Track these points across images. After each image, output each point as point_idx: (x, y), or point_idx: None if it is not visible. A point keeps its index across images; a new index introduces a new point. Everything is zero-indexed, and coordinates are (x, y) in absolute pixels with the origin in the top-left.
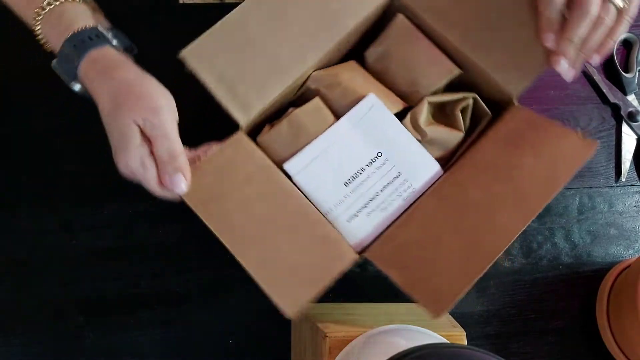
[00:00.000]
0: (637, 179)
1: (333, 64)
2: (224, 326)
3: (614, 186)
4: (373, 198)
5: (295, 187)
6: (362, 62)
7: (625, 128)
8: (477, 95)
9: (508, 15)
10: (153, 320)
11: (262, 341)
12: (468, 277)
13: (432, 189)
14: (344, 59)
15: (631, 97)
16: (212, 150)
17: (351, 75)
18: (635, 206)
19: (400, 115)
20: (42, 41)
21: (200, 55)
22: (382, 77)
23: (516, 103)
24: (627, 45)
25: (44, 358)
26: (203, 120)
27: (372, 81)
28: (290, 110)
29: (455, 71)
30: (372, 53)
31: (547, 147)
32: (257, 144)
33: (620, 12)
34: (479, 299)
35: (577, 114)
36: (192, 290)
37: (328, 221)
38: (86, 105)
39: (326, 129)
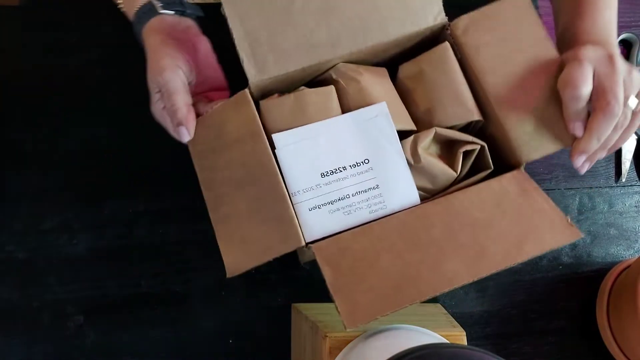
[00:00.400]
0: (637, 179)
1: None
2: (224, 326)
3: (614, 186)
4: (341, 198)
5: (273, 161)
6: (395, 76)
7: None
8: (486, 146)
9: (549, 85)
10: (153, 320)
11: (262, 341)
12: (390, 304)
13: (402, 213)
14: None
15: None
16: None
17: (375, 79)
18: (635, 206)
19: (406, 137)
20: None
21: (237, 5)
22: (405, 95)
23: (522, 169)
24: (627, 45)
25: (44, 358)
26: None
27: (392, 93)
28: (301, 88)
29: (475, 117)
30: (406, 69)
31: (529, 219)
32: (259, 108)
33: (634, 114)
34: (479, 299)
35: None
36: (192, 290)
37: (291, 203)
38: (86, 106)
39: (329, 117)
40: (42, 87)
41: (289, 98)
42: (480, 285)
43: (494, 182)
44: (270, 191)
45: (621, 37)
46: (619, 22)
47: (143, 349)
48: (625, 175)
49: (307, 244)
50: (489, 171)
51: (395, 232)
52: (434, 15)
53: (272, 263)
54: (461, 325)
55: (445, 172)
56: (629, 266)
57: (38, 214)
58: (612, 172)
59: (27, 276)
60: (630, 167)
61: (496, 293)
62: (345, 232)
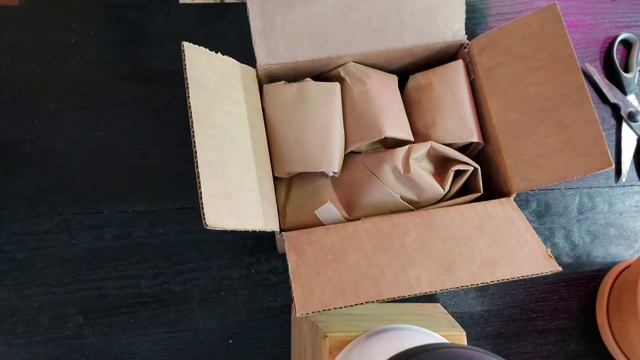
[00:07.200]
0: (637, 179)
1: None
2: (224, 327)
3: (614, 186)
4: None
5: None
6: (405, 84)
7: (625, 128)
8: (479, 169)
9: (556, 110)
10: (153, 320)
11: (262, 341)
12: (345, 299)
13: (377, 218)
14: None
15: (631, 97)
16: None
17: (382, 85)
18: (635, 206)
19: (401, 146)
20: None
21: None
22: (409, 105)
23: (512, 198)
24: (627, 45)
25: (44, 358)
26: None
27: (396, 101)
28: (307, 79)
29: (475, 139)
30: (416, 80)
31: (507, 245)
32: (262, 91)
33: None
34: (479, 299)
35: None
36: (192, 290)
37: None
38: (86, 106)
39: (329, 113)
40: (42, 87)
41: (292, 87)
42: (481, 285)
43: (479, 206)
44: (252, 171)
45: (621, 37)
46: (619, 22)
47: (143, 350)
48: (625, 175)
49: (281, 230)
50: (478, 195)
51: (367, 235)
52: (453, 31)
53: (272, 263)
54: (461, 325)
55: (432, 187)
56: (629, 266)
57: (37, 214)
58: (612, 172)
59: (27, 277)
60: (630, 167)
61: (496, 293)
62: (319, 227)
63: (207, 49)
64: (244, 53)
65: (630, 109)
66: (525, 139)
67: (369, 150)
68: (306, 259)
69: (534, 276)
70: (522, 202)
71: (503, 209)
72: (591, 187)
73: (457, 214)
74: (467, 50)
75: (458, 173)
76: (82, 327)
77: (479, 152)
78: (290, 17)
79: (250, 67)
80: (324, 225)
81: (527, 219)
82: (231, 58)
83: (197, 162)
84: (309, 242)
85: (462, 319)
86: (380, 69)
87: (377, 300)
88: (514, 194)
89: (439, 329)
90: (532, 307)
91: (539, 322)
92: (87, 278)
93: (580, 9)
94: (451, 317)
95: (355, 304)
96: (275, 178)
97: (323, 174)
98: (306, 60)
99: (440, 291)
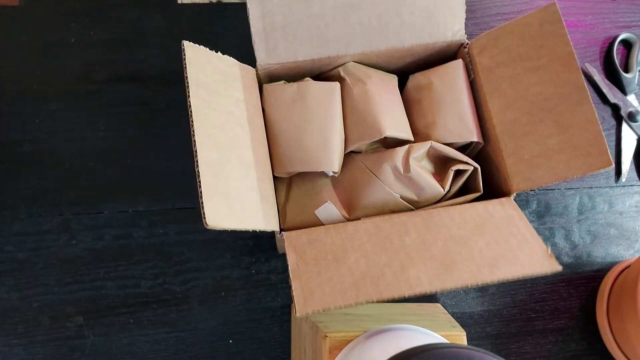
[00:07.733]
0: (637, 179)
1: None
2: (224, 326)
3: (614, 186)
4: None
5: (259, 141)
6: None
7: (625, 128)
8: (479, 168)
9: (556, 110)
10: (153, 320)
11: (262, 341)
12: (345, 298)
13: (377, 217)
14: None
15: (631, 97)
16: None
17: (382, 85)
18: (635, 206)
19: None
20: None
21: None
22: (409, 105)
23: (512, 197)
24: (627, 45)
25: (44, 358)
26: None
27: (396, 101)
28: (307, 79)
29: (475, 138)
30: (415, 79)
31: (508, 244)
32: (262, 91)
33: None
34: (479, 299)
35: None
36: (192, 290)
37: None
38: (86, 106)
39: (329, 113)
40: (42, 87)
41: (292, 86)
42: (481, 285)
43: (479, 205)
44: (252, 172)
45: (621, 37)
46: (619, 22)
47: (143, 350)
48: (625, 175)
49: (281, 230)
50: (478, 194)
51: (367, 234)
52: (453, 31)
53: (272, 263)
54: (461, 325)
55: (432, 187)
56: (629, 266)
57: (37, 214)
58: (612, 172)
59: (27, 277)
60: (630, 167)
61: (496, 293)
62: (319, 227)
63: (207, 49)
64: (244, 53)
65: (630, 109)
66: (525, 138)
67: (369, 150)
68: (306, 258)
69: (534, 276)
70: (522, 202)
71: (503, 209)
72: (591, 187)
73: (457, 213)
74: (467, 50)
75: (458, 173)
76: (82, 327)
77: (479, 152)
78: (290, 17)
79: (250, 67)
80: (324, 225)
81: (527, 219)
82: (231, 58)
83: (197, 162)
84: (309, 242)
85: (462, 319)
86: (380, 69)
87: (377, 300)
88: (514, 194)
89: (439, 329)
90: (532, 307)
91: (539, 322)
92: (87, 278)
93: (580, 9)
94: (451, 317)
95: (355, 304)
96: (275, 178)
97: (323, 174)
98: (306, 60)
99: (440, 291)
